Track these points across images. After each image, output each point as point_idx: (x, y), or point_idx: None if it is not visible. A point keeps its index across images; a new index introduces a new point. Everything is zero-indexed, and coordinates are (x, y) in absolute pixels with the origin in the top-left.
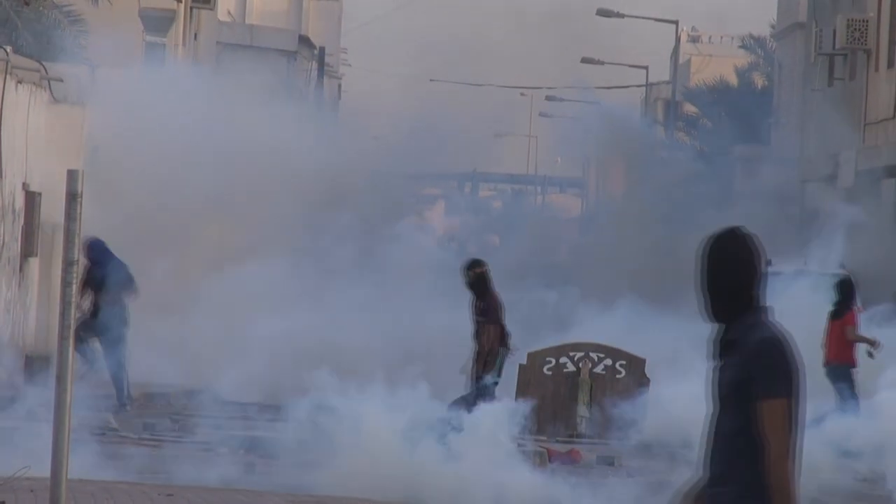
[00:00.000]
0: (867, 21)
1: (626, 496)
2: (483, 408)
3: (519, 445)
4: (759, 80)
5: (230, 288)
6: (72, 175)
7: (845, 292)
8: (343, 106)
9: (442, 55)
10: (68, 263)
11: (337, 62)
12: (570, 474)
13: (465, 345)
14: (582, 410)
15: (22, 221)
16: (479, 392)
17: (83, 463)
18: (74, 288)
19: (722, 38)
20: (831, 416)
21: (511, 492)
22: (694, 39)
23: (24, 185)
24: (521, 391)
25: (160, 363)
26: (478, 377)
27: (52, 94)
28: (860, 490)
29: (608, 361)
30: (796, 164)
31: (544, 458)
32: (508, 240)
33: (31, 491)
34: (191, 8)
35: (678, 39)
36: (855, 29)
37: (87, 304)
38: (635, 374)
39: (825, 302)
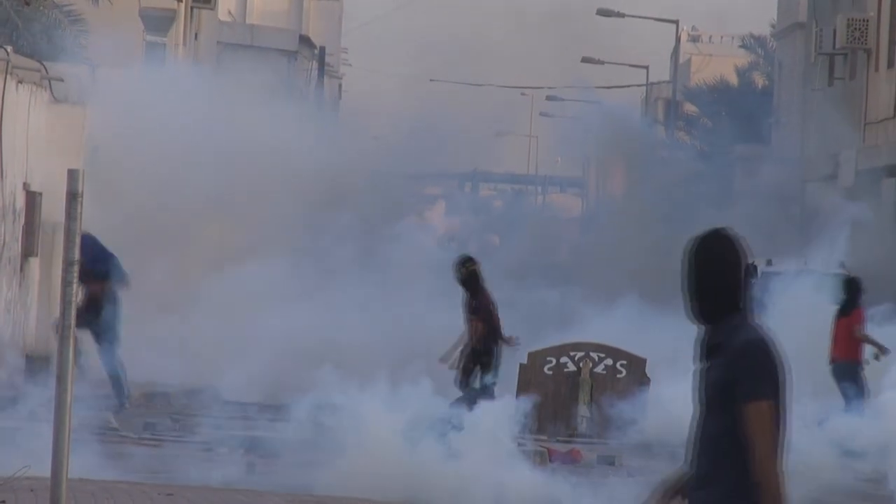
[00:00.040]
0: (867, 21)
1: (627, 496)
2: (484, 407)
3: (519, 445)
4: (759, 80)
5: (231, 287)
6: (72, 175)
7: (852, 290)
8: (343, 106)
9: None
10: (69, 263)
11: (337, 62)
12: (570, 474)
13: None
14: (582, 410)
15: (22, 221)
16: (480, 392)
17: (83, 462)
18: (75, 287)
19: (722, 37)
20: (835, 416)
21: (512, 491)
22: (694, 39)
23: (25, 185)
24: (522, 391)
25: (161, 362)
26: (466, 373)
27: (52, 93)
28: (863, 490)
29: (609, 361)
30: (796, 163)
31: (545, 458)
32: (509, 239)
33: (32, 490)
34: (191, 8)
35: (678, 39)
36: (855, 28)
37: (80, 297)
38: (636, 373)
39: (825, 301)
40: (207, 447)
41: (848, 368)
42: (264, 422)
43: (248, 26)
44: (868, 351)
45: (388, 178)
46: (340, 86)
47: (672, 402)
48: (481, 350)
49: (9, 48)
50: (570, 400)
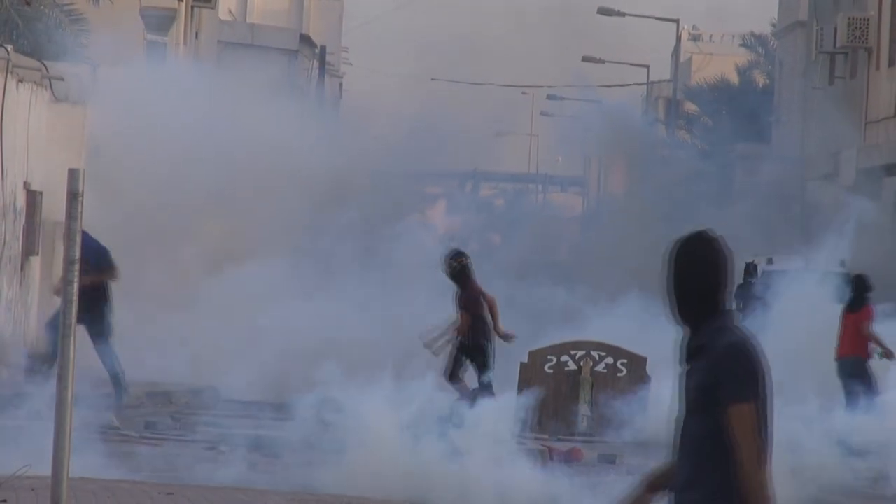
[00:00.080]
0: (868, 19)
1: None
2: (484, 405)
3: (519, 444)
4: (759, 79)
5: (232, 286)
6: (73, 174)
7: (860, 287)
8: (344, 105)
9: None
10: (69, 262)
11: (338, 61)
12: (571, 473)
13: None
14: (583, 409)
15: (23, 220)
16: (480, 390)
17: (84, 462)
18: (76, 286)
19: (723, 36)
20: (836, 414)
21: (513, 490)
22: (695, 38)
23: (26, 184)
24: (523, 390)
25: (162, 361)
26: (455, 363)
27: (53, 93)
28: (864, 489)
29: (609, 360)
30: (797, 162)
31: (545, 457)
32: (510, 238)
33: (33, 490)
34: (192, 7)
35: (679, 38)
36: (856, 27)
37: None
38: (636, 372)
39: (826, 300)
40: (209, 446)
41: (855, 365)
42: (265, 420)
43: (249, 25)
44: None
45: (389, 178)
46: (341, 85)
47: (673, 400)
48: (471, 344)
49: (9, 47)
50: (570, 398)
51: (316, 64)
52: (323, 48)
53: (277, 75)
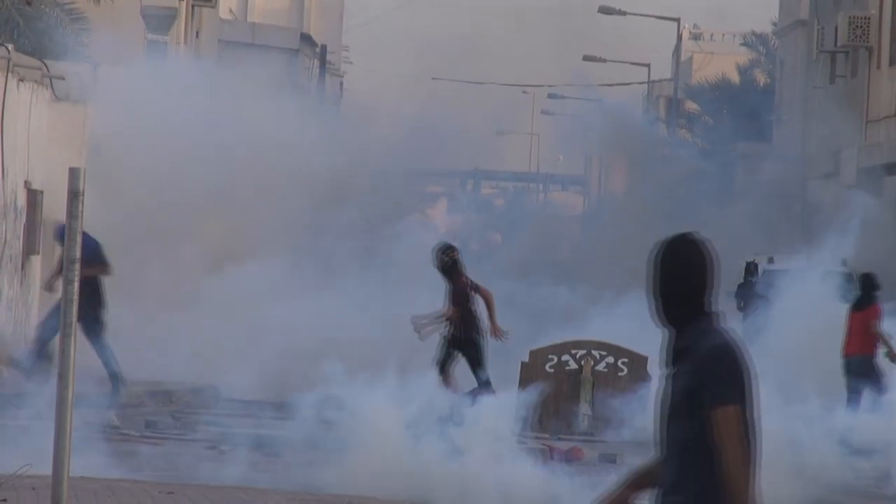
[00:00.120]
0: (869, 18)
1: (644, 493)
2: (485, 404)
3: (520, 443)
4: (760, 78)
5: (232, 285)
6: (73, 173)
7: (868, 286)
8: (345, 104)
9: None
10: (70, 261)
11: (339, 60)
12: (571, 472)
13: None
14: (584, 408)
15: (24, 219)
16: (480, 388)
17: (85, 461)
18: (76, 286)
19: (724, 35)
20: (840, 413)
21: (514, 489)
22: (696, 37)
23: (26, 183)
24: (524, 388)
25: (162, 360)
26: (445, 356)
27: (53, 92)
28: (868, 489)
29: (610, 359)
30: (798, 161)
31: (546, 456)
32: (510, 237)
33: (33, 489)
34: (192, 6)
35: (680, 37)
36: (857, 26)
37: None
38: (637, 371)
39: (827, 298)
40: (209, 445)
41: (863, 363)
42: (266, 419)
43: (250, 24)
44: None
45: (390, 177)
46: (342, 84)
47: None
48: (462, 338)
49: (10, 46)
50: (571, 398)
51: (316, 63)
52: (324, 47)
53: (278, 74)
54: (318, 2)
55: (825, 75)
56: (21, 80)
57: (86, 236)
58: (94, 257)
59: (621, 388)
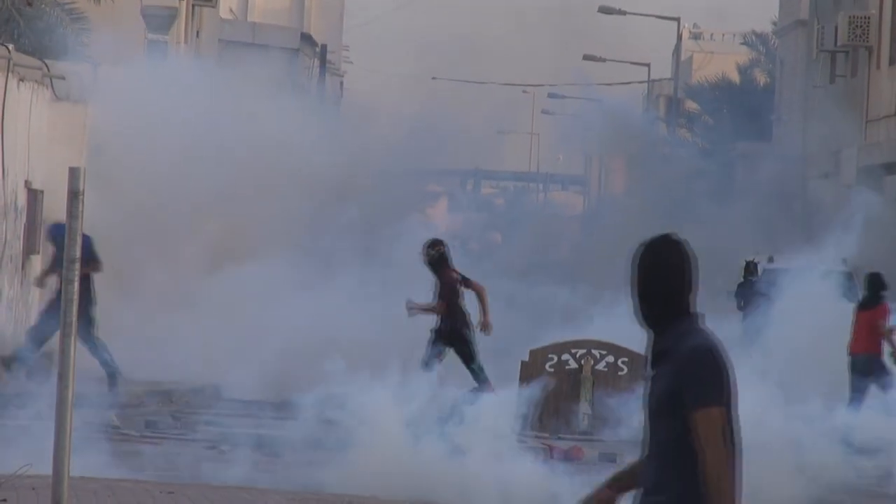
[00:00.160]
0: (869, 18)
1: (628, 493)
2: (486, 403)
3: (520, 442)
4: (760, 77)
5: (233, 285)
6: (73, 173)
7: (875, 285)
8: (345, 103)
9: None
10: (70, 261)
11: (339, 60)
12: (572, 471)
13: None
14: (584, 407)
15: (24, 219)
16: (476, 380)
17: (85, 461)
18: (76, 285)
19: (724, 35)
20: (842, 412)
21: (514, 488)
22: (696, 36)
23: (27, 183)
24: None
25: (163, 360)
26: (431, 353)
27: (54, 91)
28: (870, 488)
29: (610, 358)
30: (798, 160)
31: (546, 455)
32: (511, 237)
33: (33, 489)
34: (193, 6)
35: (680, 36)
36: (857, 26)
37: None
38: (637, 371)
39: (828, 298)
40: (209, 445)
41: (869, 362)
42: (266, 419)
43: (250, 24)
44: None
45: (390, 176)
46: (342, 84)
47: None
48: (449, 331)
49: (10, 46)
50: (571, 397)
51: (317, 63)
52: (324, 47)
53: (278, 74)
54: (318, 1)
55: (825, 75)
56: (21, 79)
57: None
58: (85, 254)
59: (621, 388)
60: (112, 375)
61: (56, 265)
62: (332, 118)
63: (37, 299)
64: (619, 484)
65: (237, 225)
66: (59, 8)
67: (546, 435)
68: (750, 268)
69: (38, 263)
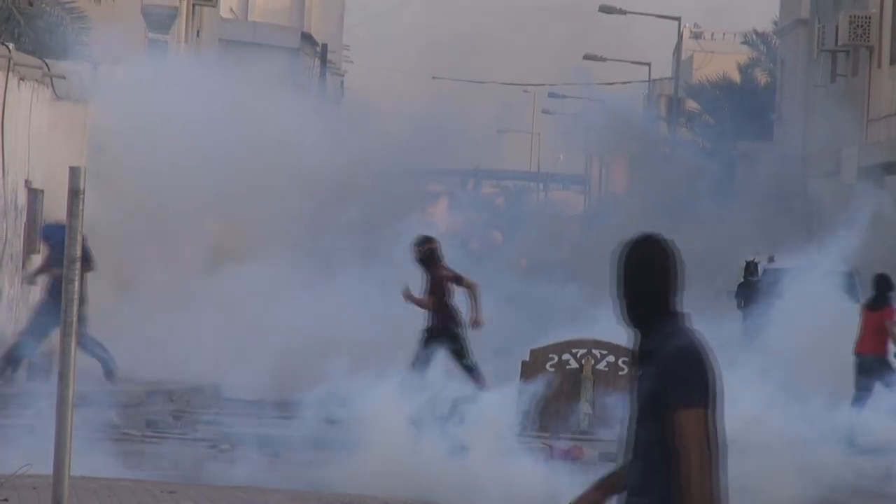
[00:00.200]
0: (869, 17)
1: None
2: (487, 402)
3: (520, 441)
4: (761, 77)
5: (233, 284)
6: (74, 172)
7: (883, 286)
8: (346, 103)
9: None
10: (70, 260)
11: (339, 59)
12: (572, 471)
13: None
14: (584, 407)
15: (24, 218)
16: (472, 379)
17: (86, 460)
18: (76, 285)
19: (724, 34)
20: (844, 411)
21: (515, 488)
22: (696, 36)
23: (27, 182)
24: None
25: (163, 360)
26: (426, 350)
27: (54, 91)
28: (873, 488)
29: (611, 358)
30: (798, 160)
31: (547, 455)
32: (511, 236)
33: (34, 489)
34: (193, 5)
35: (681, 36)
36: (857, 25)
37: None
38: None
39: (828, 297)
40: (210, 444)
41: (875, 362)
42: (267, 419)
43: (251, 24)
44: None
45: (391, 176)
46: (342, 83)
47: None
48: (440, 329)
49: (11, 45)
50: (572, 397)
51: (317, 62)
52: (324, 46)
53: (279, 73)
54: (318, 1)
55: (826, 74)
56: (22, 79)
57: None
58: (83, 255)
59: (622, 388)
60: (109, 370)
61: (49, 265)
62: (333, 118)
63: (37, 298)
64: (607, 486)
65: (237, 224)
66: (60, 7)
67: (546, 435)
68: (750, 267)
69: (38, 263)
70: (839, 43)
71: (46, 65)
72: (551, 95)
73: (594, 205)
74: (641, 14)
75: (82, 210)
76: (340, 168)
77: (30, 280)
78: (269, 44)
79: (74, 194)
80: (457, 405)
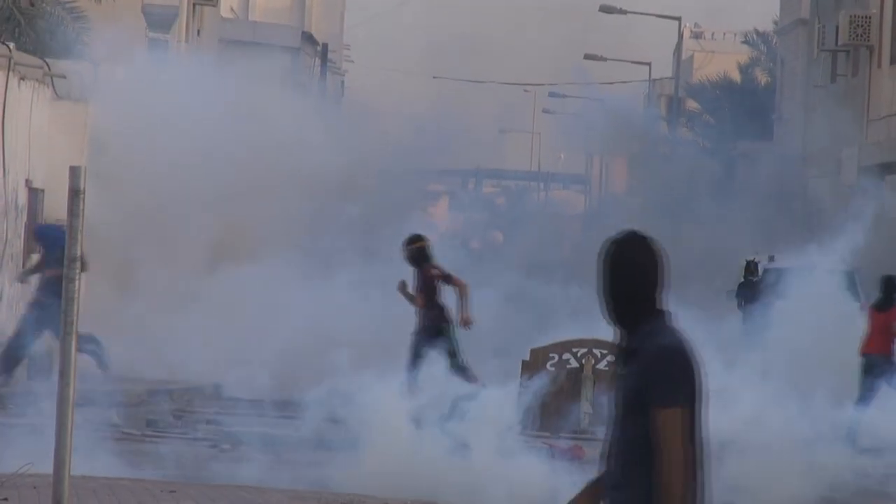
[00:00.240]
0: (870, 17)
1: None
2: (487, 402)
3: (520, 441)
4: (761, 77)
5: (234, 283)
6: (74, 171)
7: (890, 287)
8: (346, 102)
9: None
10: (71, 260)
11: (340, 59)
12: (572, 470)
13: (464, 338)
14: (585, 406)
15: (25, 218)
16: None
17: (86, 460)
18: (77, 284)
19: (725, 34)
20: (849, 411)
21: (515, 487)
22: (697, 35)
23: (27, 182)
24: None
25: (163, 359)
26: (416, 352)
27: (54, 90)
28: (875, 487)
29: (611, 358)
30: (799, 160)
31: (547, 454)
32: (512, 236)
33: (34, 488)
34: (193, 4)
35: (681, 35)
36: (857, 25)
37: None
38: None
39: (829, 297)
40: (211, 443)
41: (882, 363)
42: (267, 418)
43: (251, 23)
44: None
45: (392, 176)
46: (343, 83)
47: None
48: (429, 327)
49: (11, 45)
50: (572, 396)
51: (318, 62)
52: (325, 46)
53: (279, 73)
54: (319, 0)
55: (826, 74)
56: (22, 78)
57: (63, 233)
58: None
59: None
60: (102, 361)
61: (43, 265)
62: (333, 117)
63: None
64: (598, 489)
65: (237, 224)
66: (60, 7)
67: (547, 434)
68: (750, 267)
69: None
70: (839, 43)
71: (47, 64)
72: (552, 95)
73: (595, 204)
74: (642, 14)
75: (83, 210)
76: (341, 168)
77: (21, 279)
78: (270, 43)
79: (75, 194)
80: (457, 404)
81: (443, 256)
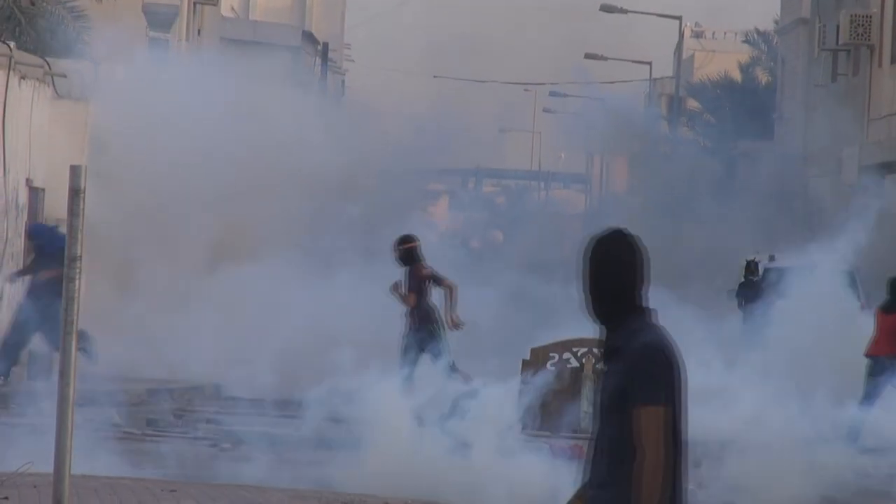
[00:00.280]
0: (870, 16)
1: None
2: (488, 402)
3: (521, 440)
4: (762, 76)
5: (235, 283)
6: (75, 170)
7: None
8: (347, 102)
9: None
10: (71, 259)
11: (340, 58)
12: (572, 470)
13: (464, 338)
14: (585, 406)
15: (25, 217)
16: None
17: (86, 459)
18: (77, 284)
19: (725, 33)
20: (851, 411)
21: (516, 487)
22: (697, 35)
23: (28, 181)
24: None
25: (163, 358)
26: (408, 351)
27: (55, 89)
28: (877, 487)
29: None
30: (799, 159)
31: (547, 454)
32: (512, 235)
33: (35, 487)
34: (194, 4)
35: (682, 35)
36: (858, 24)
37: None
38: None
39: (829, 296)
40: (211, 443)
41: (888, 365)
42: (268, 417)
43: (251, 22)
44: None
45: (392, 175)
46: (343, 82)
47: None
48: (419, 327)
49: (12, 44)
50: (572, 396)
51: (318, 61)
52: (325, 45)
53: (280, 72)
54: (319, 0)
55: (827, 73)
56: (23, 77)
57: (60, 234)
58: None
59: None
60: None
61: (37, 265)
62: (334, 117)
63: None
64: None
65: (237, 224)
66: (61, 6)
67: (547, 433)
68: (751, 267)
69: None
70: (840, 42)
71: (48, 63)
72: (552, 94)
73: (595, 204)
74: (642, 13)
75: (83, 209)
76: (341, 167)
77: (12, 279)
78: (270, 42)
79: (75, 193)
80: (457, 403)
81: (443, 256)
